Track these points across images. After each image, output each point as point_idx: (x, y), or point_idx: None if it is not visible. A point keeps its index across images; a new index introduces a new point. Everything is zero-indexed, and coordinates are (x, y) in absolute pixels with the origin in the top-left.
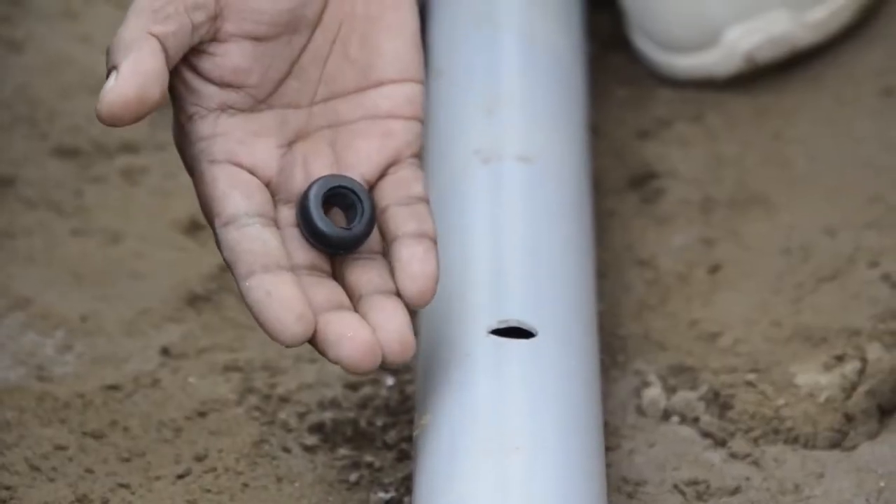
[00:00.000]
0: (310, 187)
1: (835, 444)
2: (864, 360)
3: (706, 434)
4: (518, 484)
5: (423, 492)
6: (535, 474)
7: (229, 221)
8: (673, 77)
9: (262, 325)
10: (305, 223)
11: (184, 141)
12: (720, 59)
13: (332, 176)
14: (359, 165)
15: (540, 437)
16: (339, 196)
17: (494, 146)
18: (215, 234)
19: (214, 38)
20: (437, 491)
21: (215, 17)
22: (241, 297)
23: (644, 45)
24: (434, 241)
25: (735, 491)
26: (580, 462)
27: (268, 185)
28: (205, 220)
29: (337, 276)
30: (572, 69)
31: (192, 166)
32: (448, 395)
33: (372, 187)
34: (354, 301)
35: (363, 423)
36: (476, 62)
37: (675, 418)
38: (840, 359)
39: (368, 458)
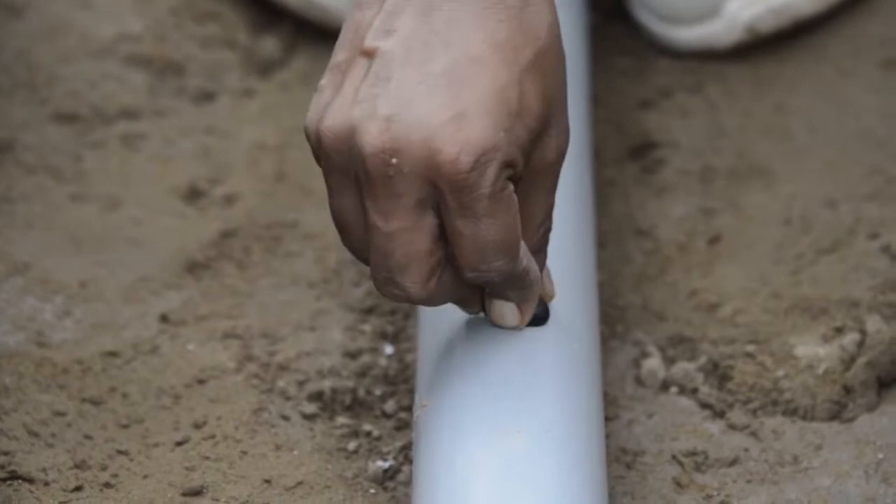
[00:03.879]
0: None
1: (833, 416)
2: (863, 332)
3: (705, 405)
4: (520, 462)
5: (424, 472)
6: (536, 451)
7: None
8: (673, 49)
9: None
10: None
11: None
12: (721, 30)
13: None
14: None
15: (540, 415)
16: None
17: None
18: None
19: None
20: (439, 473)
21: None
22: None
23: (644, 16)
24: None
25: (733, 462)
26: (580, 435)
27: None
28: (203, 187)
29: None
30: (572, 39)
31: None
32: (449, 377)
33: None
34: None
35: (362, 392)
36: None
37: (674, 389)
38: (839, 330)
39: (367, 426)
